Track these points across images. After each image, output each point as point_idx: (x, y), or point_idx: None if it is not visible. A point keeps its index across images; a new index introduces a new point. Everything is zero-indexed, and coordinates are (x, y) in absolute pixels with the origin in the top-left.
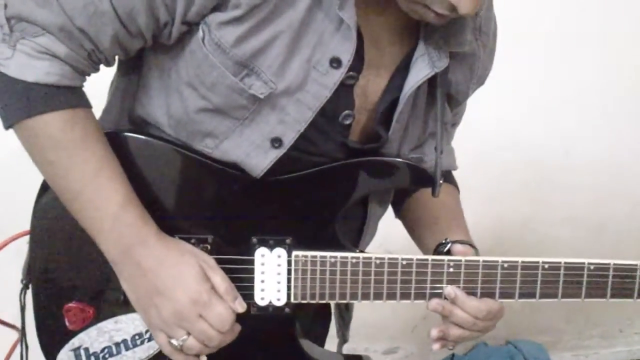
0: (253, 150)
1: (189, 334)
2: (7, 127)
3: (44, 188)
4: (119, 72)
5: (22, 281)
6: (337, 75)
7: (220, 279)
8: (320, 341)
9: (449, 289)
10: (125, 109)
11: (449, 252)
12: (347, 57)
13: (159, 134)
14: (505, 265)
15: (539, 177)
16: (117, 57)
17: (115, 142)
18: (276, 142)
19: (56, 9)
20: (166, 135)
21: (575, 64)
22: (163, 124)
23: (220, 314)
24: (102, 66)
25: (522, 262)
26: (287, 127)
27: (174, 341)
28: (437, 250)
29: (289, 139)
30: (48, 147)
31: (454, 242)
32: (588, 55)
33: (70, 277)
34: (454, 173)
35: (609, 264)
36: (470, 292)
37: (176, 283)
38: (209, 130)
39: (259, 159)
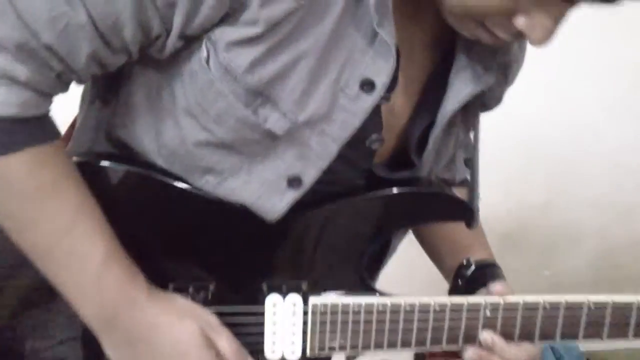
0: (266, 191)
1: None
2: None
3: None
4: (93, 85)
5: None
6: (370, 101)
7: (226, 342)
8: None
9: (486, 336)
10: (105, 129)
11: (473, 275)
12: (382, 80)
13: (145, 161)
14: (548, 306)
15: (562, 157)
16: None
17: (93, 174)
18: (294, 181)
19: (13, 21)
20: (155, 167)
21: (596, 51)
22: (151, 152)
23: None
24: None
25: (567, 302)
26: (308, 164)
27: None
28: (460, 274)
29: (310, 177)
30: (8, 196)
31: (478, 263)
32: (610, 43)
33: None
34: None
35: None
36: (508, 334)
37: (175, 352)
38: (211, 165)
39: (273, 202)
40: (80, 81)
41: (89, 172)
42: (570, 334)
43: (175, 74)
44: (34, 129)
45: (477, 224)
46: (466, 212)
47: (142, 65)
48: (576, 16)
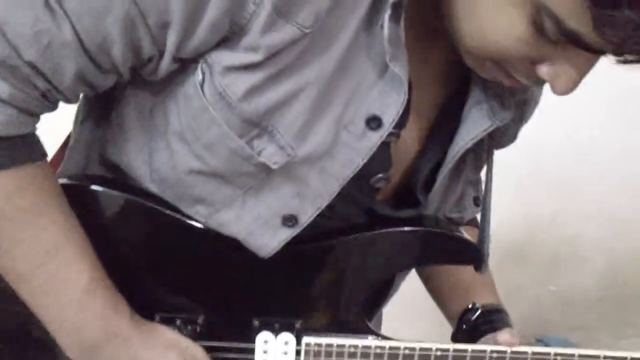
0: (258, 227)
1: None
2: None
3: None
4: (85, 104)
5: None
6: (375, 139)
7: None
8: None
9: None
10: (96, 150)
11: (478, 320)
12: (390, 116)
13: (138, 187)
14: (559, 358)
15: (569, 170)
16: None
17: (82, 197)
18: (290, 220)
19: None
20: (147, 191)
21: (605, 67)
22: (143, 176)
23: None
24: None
25: (579, 355)
26: (305, 202)
27: None
28: (465, 318)
29: (307, 216)
30: None
31: (484, 307)
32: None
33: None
34: None
35: None
36: None
37: None
38: (202, 196)
39: (265, 239)
40: (67, 101)
41: (78, 195)
42: None
43: (169, 96)
44: (17, 149)
45: (487, 269)
46: (475, 256)
47: (134, 86)
48: None
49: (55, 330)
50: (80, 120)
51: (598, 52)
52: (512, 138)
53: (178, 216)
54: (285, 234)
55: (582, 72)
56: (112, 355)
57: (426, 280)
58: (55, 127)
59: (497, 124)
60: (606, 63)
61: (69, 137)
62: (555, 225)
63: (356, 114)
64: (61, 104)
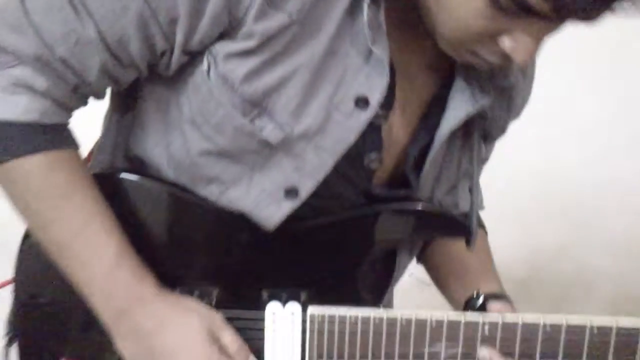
0: (264, 200)
1: None
2: None
3: (28, 233)
4: (112, 105)
5: (6, 335)
6: (364, 117)
7: (230, 339)
8: None
9: (484, 352)
10: (121, 146)
11: (482, 308)
12: (376, 96)
13: (158, 175)
14: (548, 328)
15: (576, 201)
16: (107, 90)
17: (109, 184)
18: (291, 192)
19: (31, 35)
20: (166, 178)
21: (613, 84)
22: (162, 165)
23: None
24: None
25: (568, 324)
26: (304, 176)
27: None
28: (469, 305)
29: (306, 189)
30: (27, 195)
31: (487, 295)
32: (627, 75)
33: (59, 330)
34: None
35: None
36: (507, 354)
37: (182, 346)
38: (214, 175)
39: (270, 211)
40: (96, 95)
41: (107, 183)
42: (573, 355)
43: (182, 87)
44: (52, 135)
45: (474, 244)
46: (463, 230)
47: (152, 83)
48: (596, 59)
49: (89, 297)
50: (107, 121)
51: (548, 19)
52: (501, 130)
53: (194, 198)
54: (288, 206)
55: (538, 40)
56: (139, 318)
57: (431, 270)
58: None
59: (478, 108)
60: (623, 96)
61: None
62: (563, 258)
63: (346, 94)
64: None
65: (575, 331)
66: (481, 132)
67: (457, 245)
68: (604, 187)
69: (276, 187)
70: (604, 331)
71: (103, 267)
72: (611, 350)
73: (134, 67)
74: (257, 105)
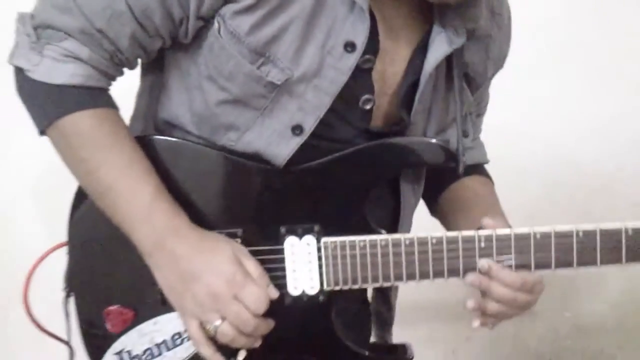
0: (275, 139)
1: (223, 319)
2: (40, 131)
3: (78, 198)
4: (142, 80)
5: (64, 290)
6: (352, 59)
7: (253, 265)
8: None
9: (483, 262)
10: (151, 115)
11: None
12: (361, 40)
13: (183, 134)
14: (538, 235)
15: (585, 195)
16: (139, 60)
17: (142, 146)
18: (297, 129)
19: (76, 13)
20: (190, 135)
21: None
22: (186, 123)
23: (254, 293)
24: (127, 72)
25: (556, 231)
26: (306, 114)
27: (208, 326)
28: None
29: (309, 125)
30: (79, 145)
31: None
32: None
33: (108, 282)
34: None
35: None
36: (505, 265)
37: (210, 266)
38: (231, 122)
39: (280, 148)
40: (129, 64)
41: (141, 144)
42: (564, 261)
43: (198, 51)
44: (96, 96)
45: (462, 167)
46: (448, 156)
47: (174, 53)
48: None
49: (131, 232)
50: (138, 97)
51: None
52: (481, 76)
53: (215, 149)
54: (295, 142)
55: None
56: (174, 244)
57: (443, 217)
58: None
59: (454, 47)
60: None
61: None
62: None
63: (336, 41)
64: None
65: (564, 235)
66: (461, 74)
67: (465, 193)
68: (613, 181)
69: (284, 126)
70: (589, 235)
71: (143, 203)
72: (598, 250)
73: (159, 37)
74: (262, 55)
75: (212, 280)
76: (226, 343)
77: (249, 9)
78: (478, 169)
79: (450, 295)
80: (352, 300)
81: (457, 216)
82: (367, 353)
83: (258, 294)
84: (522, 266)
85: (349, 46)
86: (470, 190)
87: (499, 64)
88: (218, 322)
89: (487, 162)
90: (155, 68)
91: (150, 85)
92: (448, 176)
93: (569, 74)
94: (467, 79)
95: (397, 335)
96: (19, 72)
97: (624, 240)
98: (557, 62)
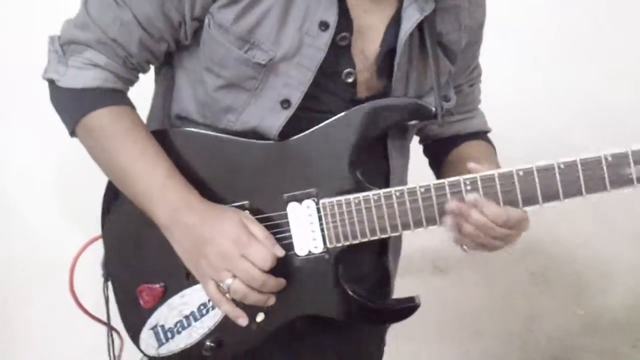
0: (266, 114)
1: (234, 277)
2: (70, 132)
3: (107, 192)
4: (156, 84)
5: (102, 275)
6: (327, 36)
7: (258, 228)
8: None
9: (470, 195)
10: (165, 114)
11: None
12: (332, 19)
13: (190, 124)
14: (521, 173)
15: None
16: (150, 65)
17: (157, 139)
18: (285, 103)
19: (93, 27)
20: (196, 124)
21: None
22: (192, 113)
23: (259, 250)
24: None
25: (537, 166)
26: (292, 89)
27: (221, 284)
28: None
29: (296, 99)
30: (101, 137)
31: None
32: None
33: (138, 263)
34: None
35: (626, 151)
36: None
37: (219, 231)
38: (229, 105)
39: (272, 121)
40: (142, 68)
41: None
42: (551, 195)
43: (197, 48)
44: (113, 96)
45: (441, 118)
46: (423, 111)
47: (180, 55)
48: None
49: (148, 206)
50: (153, 97)
51: None
52: (457, 44)
53: (218, 134)
54: (285, 114)
55: None
56: (187, 216)
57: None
58: None
59: (425, 13)
60: None
61: None
62: (583, 247)
63: (311, 22)
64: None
65: (546, 169)
66: (435, 41)
67: (463, 154)
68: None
69: (273, 102)
70: (570, 166)
71: (157, 182)
72: (582, 181)
73: (163, 40)
74: (247, 41)
75: (221, 242)
76: (239, 299)
77: (231, 3)
78: (479, 136)
79: (461, 293)
80: (365, 260)
81: (452, 174)
82: (374, 304)
83: (263, 251)
84: (510, 204)
85: (323, 25)
86: (467, 153)
87: (473, 33)
88: (230, 280)
89: (488, 130)
90: (167, 73)
91: (163, 88)
92: (448, 144)
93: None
94: (443, 49)
95: (409, 333)
96: (51, 83)
97: (605, 168)
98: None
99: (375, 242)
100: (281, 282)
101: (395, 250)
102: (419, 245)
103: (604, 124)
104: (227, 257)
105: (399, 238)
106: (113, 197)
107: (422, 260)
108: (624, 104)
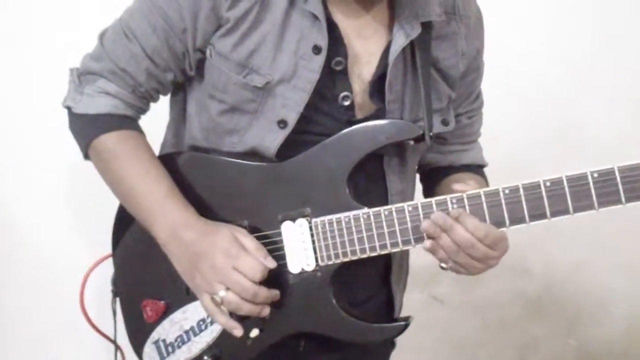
0: (265, 134)
1: (227, 289)
2: (84, 155)
3: (118, 214)
4: (170, 114)
5: (112, 291)
6: (320, 60)
7: (249, 241)
8: None
9: (454, 210)
10: (177, 143)
11: None
12: (324, 43)
13: (195, 150)
14: (507, 191)
15: (591, 220)
16: (160, 94)
17: (164, 163)
18: (282, 123)
19: (106, 58)
20: (201, 149)
21: None
22: (199, 138)
23: (249, 262)
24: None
25: (523, 185)
26: (289, 110)
27: (215, 297)
28: None
29: (292, 119)
30: (109, 159)
31: None
32: None
33: (144, 279)
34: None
35: (612, 168)
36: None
37: (212, 245)
38: (231, 128)
39: (271, 141)
40: (150, 97)
41: (168, 161)
42: (537, 214)
43: (201, 78)
44: (122, 121)
45: (429, 138)
46: (408, 130)
47: (190, 86)
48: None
49: (150, 224)
50: (167, 127)
51: None
52: (456, 70)
53: (219, 157)
54: (282, 134)
55: None
56: (185, 233)
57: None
58: None
59: (410, 38)
60: None
61: None
62: (578, 275)
63: (306, 47)
64: None
65: (532, 187)
66: (427, 65)
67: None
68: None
69: (271, 122)
70: (556, 183)
71: (158, 201)
72: (568, 197)
73: (170, 70)
74: (245, 66)
75: (213, 256)
76: (233, 310)
77: (229, 32)
78: (473, 169)
79: (454, 320)
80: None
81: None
82: (366, 323)
83: (252, 262)
84: (496, 223)
85: (316, 49)
86: (456, 179)
87: (472, 59)
88: (223, 292)
89: (483, 164)
90: (179, 102)
91: (174, 118)
92: (440, 173)
93: None
94: (441, 74)
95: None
96: (69, 111)
97: (591, 185)
98: None
99: (380, 264)
100: (274, 293)
101: (399, 269)
102: (414, 270)
103: None
104: (219, 270)
105: (405, 257)
106: (124, 217)
107: (417, 287)
108: None
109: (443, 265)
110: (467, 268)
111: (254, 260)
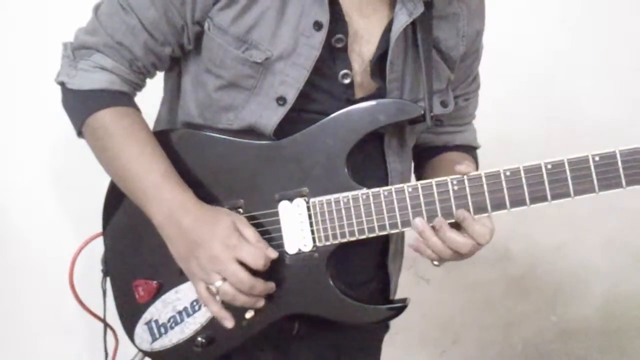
0: (263, 111)
1: (224, 280)
2: (77, 132)
3: (109, 192)
4: (164, 89)
5: (102, 271)
6: (321, 36)
7: (250, 232)
8: None
9: (459, 213)
10: (172, 119)
11: None
12: (325, 19)
13: (190, 127)
14: (508, 173)
15: (573, 201)
16: (157, 69)
17: (159, 140)
18: (280, 100)
19: (101, 32)
20: (196, 125)
21: None
22: (194, 116)
23: (251, 252)
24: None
25: (524, 167)
26: (288, 87)
27: (211, 286)
28: None
29: (291, 96)
30: (104, 136)
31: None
32: None
33: (136, 259)
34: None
35: (614, 151)
36: (480, 207)
37: (211, 234)
38: (228, 104)
39: (269, 118)
40: (148, 72)
41: (164, 138)
42: (538, 197)
43: (198, 52)
44: (118, 97)
45: (430, 119)
46: (409, 110)
47: (185, 61)
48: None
49: (145, 205)
50: (161, 103)
51: None
52: (455, 50)
53: (215, 134)
54: (281, 111)
55: None
56: (181, 217)
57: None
58: None
59: (413, 17)
60: None
61: None
62: (559, 254)
63: (306, 22)
64: None
65: (533, 170)
66: (429, 45)
67: (445, 160)
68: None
69: (270, 99)
70: (557, 166)
71: (154, 181)
72: (569, 180)
73: (167, 44)
74: (245, 41)
75: (212, 245)
76: (229, 301)
77: (228, 5)
78: (466, 149)
79: (440, 299)
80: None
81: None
82: (363, 304)
83: (254, 252)
84: (497, 205)
85: (317, 25)
86: (450, 158)
87: (472, 41)
88: (219, 283)
89: (476, 146)
90: (173, 78)
91: (169, 94)
92: (433, 152)
93: None
94: (442, 54)
95: (389, 338)
96: (62, 86)
97: (593, 168)
98: None
99: (377, 246)
100: (270, 286)
101: (395, 252)
102: None
103: None
104: (217, 260)
105: (401, 240)
106: (115, 196)
107: (403, 266)
108: None
109: (436, 263)
110: (454, 260)
111: (257, 250)
